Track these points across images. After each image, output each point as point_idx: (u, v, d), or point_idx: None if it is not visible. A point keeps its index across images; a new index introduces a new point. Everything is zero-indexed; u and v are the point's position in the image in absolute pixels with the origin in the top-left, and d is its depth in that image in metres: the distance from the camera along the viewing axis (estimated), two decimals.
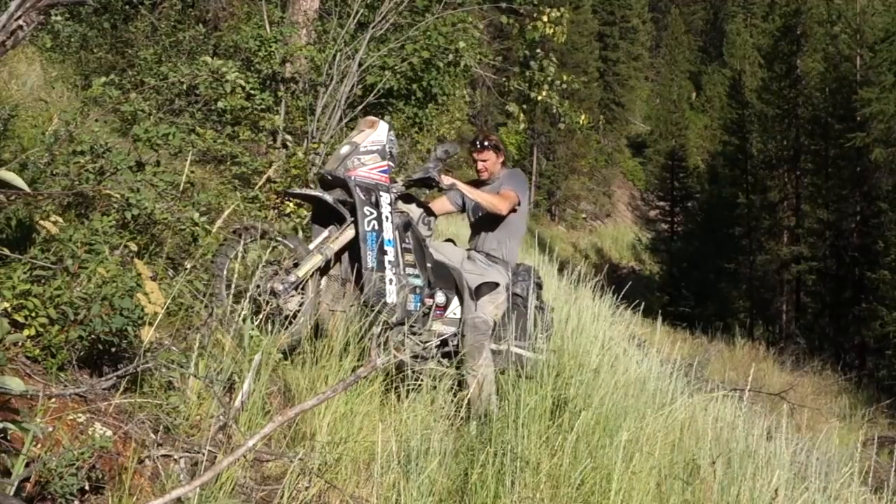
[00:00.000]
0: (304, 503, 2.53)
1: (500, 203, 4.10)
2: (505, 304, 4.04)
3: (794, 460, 3.69)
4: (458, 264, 4.11)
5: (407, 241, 3.85)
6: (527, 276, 4.17)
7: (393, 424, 3.01)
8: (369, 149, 3.82)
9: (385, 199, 3.77)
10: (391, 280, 3.66)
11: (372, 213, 3.70)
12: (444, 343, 3.93)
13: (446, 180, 3.97)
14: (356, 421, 3.05)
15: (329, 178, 3.83)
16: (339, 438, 2.91)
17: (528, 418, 3.04)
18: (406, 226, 3.88)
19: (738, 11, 52.76)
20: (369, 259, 3.64)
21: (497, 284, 4.04)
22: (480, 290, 4.00)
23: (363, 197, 3.70)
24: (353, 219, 3.72)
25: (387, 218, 3.73)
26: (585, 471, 2.96)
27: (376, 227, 3.69)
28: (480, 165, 4.28)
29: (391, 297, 3.65)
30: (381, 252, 3.68)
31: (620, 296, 5.39)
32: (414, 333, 3.77)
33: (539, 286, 4.26)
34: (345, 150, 3.83)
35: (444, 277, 3.99)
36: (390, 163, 3.89)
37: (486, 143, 4.26)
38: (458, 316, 4.00)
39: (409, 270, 3.80)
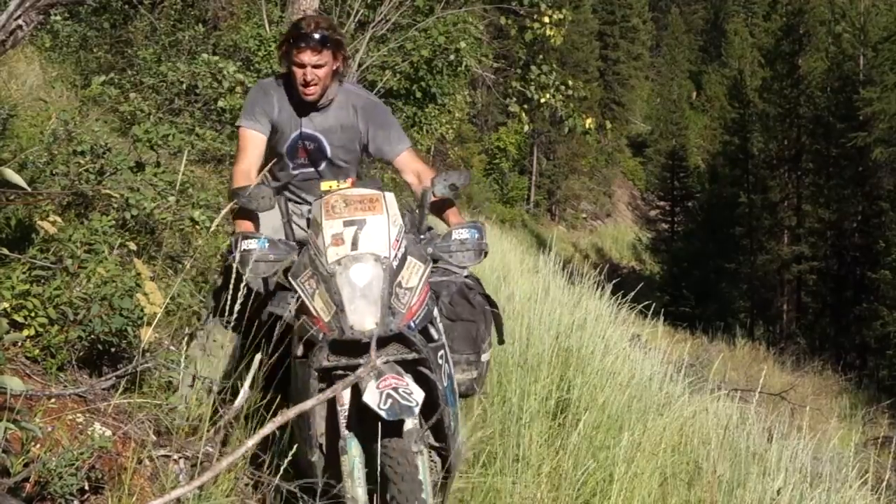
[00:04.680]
0: None
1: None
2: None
3: (796, 461, 3.68)
4: None
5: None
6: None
7: None
8: (399, 255, 2.27)
9: (438, 319, 2.45)
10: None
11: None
12: None
13: None
14: None
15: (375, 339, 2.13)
16: None
17: (530, 419, 3.04)
18: None
19: (738, 11, 52.82)
20: None
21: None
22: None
23: (425, 341, 2.26)
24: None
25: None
26: (587, 471, 2.95)
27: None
28: (310, 75, 2.61)
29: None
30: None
31: (623, 296, 5.38)
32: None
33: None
34: (377, 289, 2.18)
35: None
36: (428, 255, 2.44)
37: (321, 38, 2.59)
38: None
39: None
